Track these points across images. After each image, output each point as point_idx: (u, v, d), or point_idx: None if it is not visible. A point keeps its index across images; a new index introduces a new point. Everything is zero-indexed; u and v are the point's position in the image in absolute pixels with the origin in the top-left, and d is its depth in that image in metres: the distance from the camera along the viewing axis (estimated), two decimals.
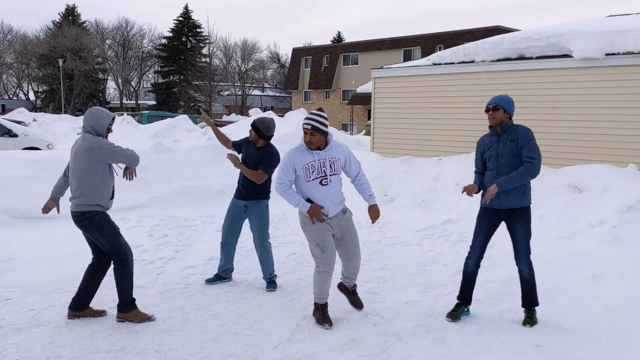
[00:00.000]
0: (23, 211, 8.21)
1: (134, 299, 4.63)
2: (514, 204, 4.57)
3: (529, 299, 4.71)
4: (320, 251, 4.52)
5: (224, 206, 9.42)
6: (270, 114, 19.53)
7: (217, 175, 10.90)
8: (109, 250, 4.52)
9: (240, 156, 5.58)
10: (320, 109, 4.51)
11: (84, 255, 6.44)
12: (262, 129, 5.38)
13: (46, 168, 9.30)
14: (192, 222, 8.49)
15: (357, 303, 4.98)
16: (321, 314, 4.61)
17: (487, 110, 4.68)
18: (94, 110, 4.49)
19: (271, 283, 5.58)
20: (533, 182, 8.86)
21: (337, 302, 5.05)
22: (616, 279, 5.86)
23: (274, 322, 4.68)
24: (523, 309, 4.76)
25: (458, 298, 4.88)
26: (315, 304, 4.67)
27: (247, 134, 5.68)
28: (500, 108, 4.59)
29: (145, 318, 4.59)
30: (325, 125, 4.45)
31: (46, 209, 4.73)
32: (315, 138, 4.42)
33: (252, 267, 6.28)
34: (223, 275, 5.72)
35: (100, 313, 4.70)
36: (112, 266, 4.64)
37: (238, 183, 5.55)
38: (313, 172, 4.45)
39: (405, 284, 5.79)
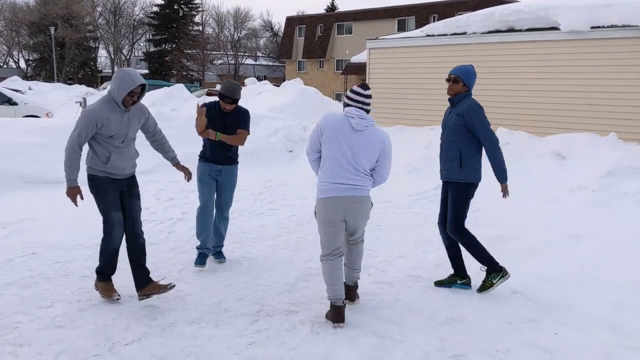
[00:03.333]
0: (34, 176, 8.59)
1: (102, 271, 4.47)
2: (450, 177, 4.69)
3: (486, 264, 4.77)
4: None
5: None
6: (266, 84, 19.79)
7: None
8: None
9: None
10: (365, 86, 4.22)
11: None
12: (231, 94, 5.10)
13: (53, 135, 9.65)
14: (195, 187, 8.90)
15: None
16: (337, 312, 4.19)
17: (447, 80, 4.69)
18: (120, 73, 4.23)
19: (221, 254, 5.53)
20: (518, 149, 9.36)
21: None
22: (592, 237, 6.36)
23: (279, 272, 5.17)
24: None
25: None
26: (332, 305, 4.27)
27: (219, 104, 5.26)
28: (460, 81, 4.61)
29: (108, 295, 4.43)
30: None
31: None
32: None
33: (255, 227, 6.74)
34: (209, 250, 5.42)
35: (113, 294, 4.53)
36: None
37: (207, 148, 5.30)
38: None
39: (397, 241, 6.29)
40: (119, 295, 4.46)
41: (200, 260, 5.25)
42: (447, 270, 5.31)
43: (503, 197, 4.84)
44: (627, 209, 7.15)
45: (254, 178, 9.64)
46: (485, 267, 4.82)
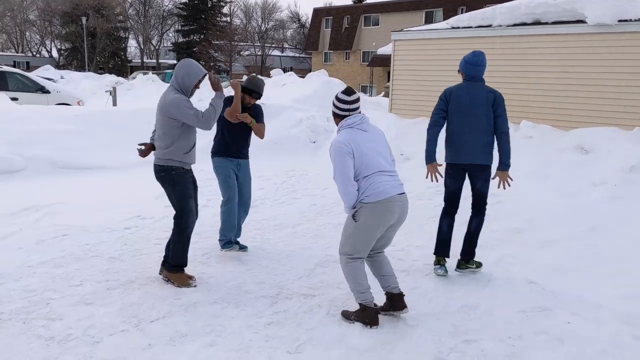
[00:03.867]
0: (65, 162, 8.89)
1: (182, 264, 4.62)
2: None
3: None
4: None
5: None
6: (291, 75, 19.94)
7: None
8: (175, 209, 4.54)
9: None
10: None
11: (126, 201, 7.13)
12: (257, 89, 5.26)
13: (84, 123, 9.96)
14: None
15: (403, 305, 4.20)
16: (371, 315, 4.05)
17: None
18: (187, 63, 4.39)
19: (239, 243, 5.59)
20: (541, 143, 9.35)
21: None
22: (611, 231, 6.36)
23: (298, 258, 5.32)
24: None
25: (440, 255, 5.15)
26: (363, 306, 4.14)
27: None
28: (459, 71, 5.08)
29: (185, 283, 4.56)
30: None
31: (143, 153, 4.61)
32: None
33: (277, 215, 6.91)
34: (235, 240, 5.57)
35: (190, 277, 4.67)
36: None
37: (225, 142, 5.36)
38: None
39: (415, 231, 6.39)
40: (194, 280, 4.62)
41: (229, 245, 5.43)
42: None
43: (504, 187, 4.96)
44: None
45: (277, 167, 9.80)
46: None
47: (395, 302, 4.06)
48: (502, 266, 5.28)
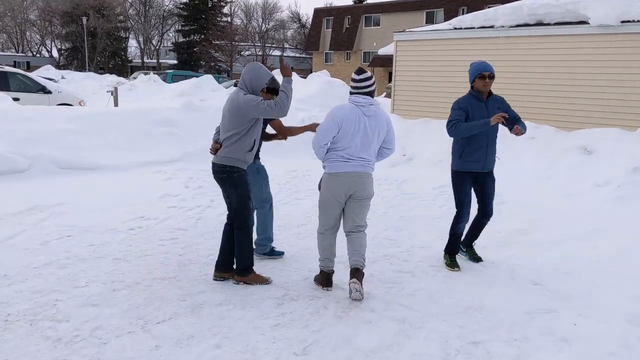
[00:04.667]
0: (68, 162, 8.89)
1: (252, 264, 4.65)
2: (493, 166, 5.21)
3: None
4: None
5: None
6: (293, 76, 19.92)
7: None
8: (236, 211, 4.54)
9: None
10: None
11: (130, 202, 7.13)
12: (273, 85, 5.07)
13: (87, 123, 9.96)
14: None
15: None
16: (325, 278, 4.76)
17: (489, 77, 4.93)
18: (255, 66, 4.49)
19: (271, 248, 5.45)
20: (545, 143, 9.36)
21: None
22: (615, 232, 6.37)
23: (303, 259, 5.33)
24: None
25: (449, 252, 5.28)
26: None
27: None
28: (494, 77, 4.99)
29: (264, 280, 4.65)
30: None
31: (215, 150, 4.54)
32: None
33: (281, 216, 6.90)
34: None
35: (264, 281, 4.69)
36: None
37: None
38: None
39: (419, 232, 6.39)
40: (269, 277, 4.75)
41: (277, 252, 5.41)
42: (469, 260, 5.41)
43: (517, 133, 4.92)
44: None
45: (280, 168, 9.79)
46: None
47: (350, 275, 4.43)
48: (506, 267, 5.28)
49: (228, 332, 3.83)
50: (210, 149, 4.56)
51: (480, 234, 5.48)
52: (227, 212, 4.70)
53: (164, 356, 3.51)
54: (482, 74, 4.95)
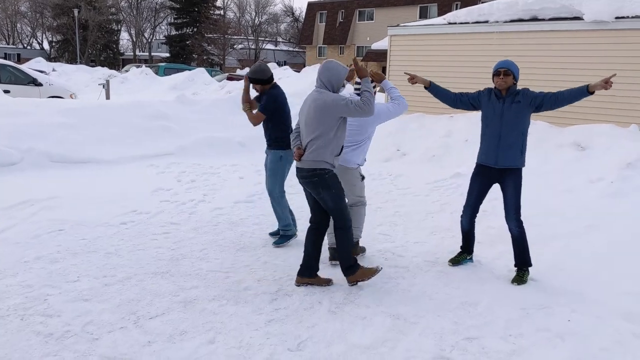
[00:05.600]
0: (60, 155, 8.80)
1: (355, 259, 4.56)
2: (510, 163, 4.79)
3: (521, 260, 4.85)
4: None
5: (246, 157, 10.04)
6: (286, 69, 19.87)
7: (238, 128, 11.39)
8: (333, 212, 4.43)
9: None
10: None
11: (122, 196, 7.07)
12: (254, 75, 5.36)
13: (80, 116, 9.86)
14: (217, 170, 9.06)
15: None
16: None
17: (498, 74, 4.78)
18: (332, 65, 4.39)
19: (279, 235, 5.68)
20: (538, 139, 9.35)
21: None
22: (609, 228, 6.37)
23: (298, 254, 5.28)
24: (515, 268, 4.91)
25: (461, 247, 5.32)
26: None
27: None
28: (511, 73, 4.76)
29: (372, 272, 4.54)
30: None
31: (299, 156, 4.43)
32: None
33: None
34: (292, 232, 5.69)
35: (328, 282, 4.61)
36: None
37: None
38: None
39: (414, 227, 6.37)
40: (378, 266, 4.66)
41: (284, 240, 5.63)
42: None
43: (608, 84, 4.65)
44: None
45: None
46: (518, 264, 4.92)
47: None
48: (501, 263, 5.27)
49: (221, 328, 3.80)
50: (294, 156, 4.44)
51: (477, 231, 5.38)
52: (345, 221, 4.45)
53: (156, 352, 3.47)
54: (496, 70, 4.82)
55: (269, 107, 5.39)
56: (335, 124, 4.28)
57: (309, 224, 4.65)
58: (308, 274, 4.57)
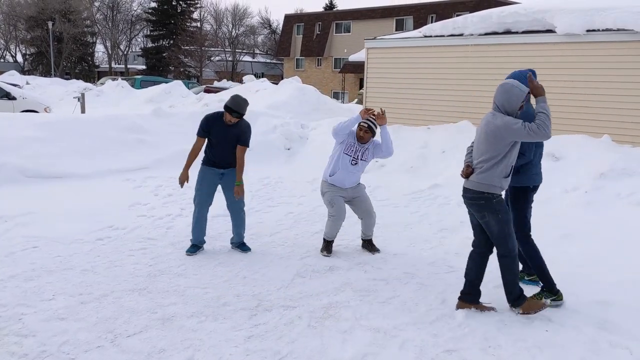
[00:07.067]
0: (34, 170, 8.66)
1: (522, 290, 4.40)
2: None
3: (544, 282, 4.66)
4: (330, 206, 5.76)
5: None
6: (264, 81, 19.88)
7: None
8: (497, 238, 4.27)
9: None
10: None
11: (98, 211, 6.98)
12: (238, 108, 5.37)
13: (54, 130, 9.73)
14: (193, 184, 8.97)
15: (374, 249, 5.93)
16: (325, 246, 5.79)
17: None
18: (508, 87, 4.14)
19: (244, 245, 5.85)
20: None
21: (333, 255, 5.66)
22: (583, 237, 6.47)
23: (276, 269, 5.27)
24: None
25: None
26: (323, 239, 5.83)
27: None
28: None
29: (540, 305, 4.34)
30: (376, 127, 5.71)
31: (465, 174, 4.31)
32: (367, 136, 5.68)
33: (253, 224, 6.83)
34: (200, 245, 5.78)
35: (490, 309, 4.43)
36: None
37: (211, 154, 5.59)
38: (350, 150, 5.70)
39: (393, 239, 6.40)
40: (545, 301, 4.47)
41: (192, 249, 5.67)
42: (442, 267, 5.45)
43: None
44: (620, 210, 7.26)
45: (252, 175, 9.71)
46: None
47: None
48: None
49: (200, 345, 3.76)
50: (462, 173, 4.35)
51: (455, 242, 5.47)
52: (509, 249, 4.29)
53: None
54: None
55: (249, 138, 5.64)
56: (505, 148, 4.11)
57: (471, 248, 4.53)
58: (471, 299, 4.44)
